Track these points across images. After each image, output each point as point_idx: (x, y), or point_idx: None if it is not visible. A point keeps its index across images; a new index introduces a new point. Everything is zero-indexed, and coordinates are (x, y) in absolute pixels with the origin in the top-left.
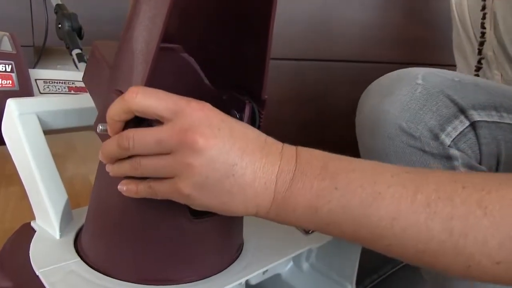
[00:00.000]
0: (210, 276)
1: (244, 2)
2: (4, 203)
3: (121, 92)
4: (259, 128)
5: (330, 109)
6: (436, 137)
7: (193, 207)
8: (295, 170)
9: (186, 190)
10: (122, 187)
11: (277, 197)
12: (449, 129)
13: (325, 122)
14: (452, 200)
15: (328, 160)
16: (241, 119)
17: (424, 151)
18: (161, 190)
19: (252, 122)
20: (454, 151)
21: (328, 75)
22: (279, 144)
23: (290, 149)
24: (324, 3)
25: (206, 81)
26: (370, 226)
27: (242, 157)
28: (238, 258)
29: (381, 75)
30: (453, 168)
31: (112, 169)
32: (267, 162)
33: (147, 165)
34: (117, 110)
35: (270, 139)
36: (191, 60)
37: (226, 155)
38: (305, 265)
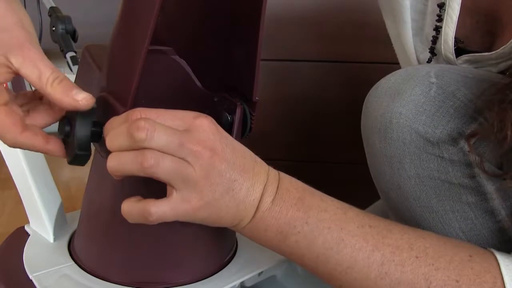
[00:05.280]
0: (205, 277)
1: (233, 4)
2: (0, 207)
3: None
4: (250, 129)
5: (324, 109)
6: (455, 143)
7: (186, 220)
8: (276, 194)
9: (197, 203)
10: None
11: (257, 215)
12: (468, 132)
13: (320, 121)
14: (403, 267)
15: (305, 193)
16: (232, 121)
17: (442, 158)
18: (165, 207)
19: (244, 124)
20: (474, 157)
21: (322, 75)
22: (266, 165)
23: (274, 172)
24: (317, 3)
25: (198, 83)
26: (328, 267)
27: (241, 173)
28: (233, 260)
29: (376, 75)
30: (473, 175)
31: (112, 163)
32: (257, 180)
33: (168, 168)
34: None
35: (259, 159)
36: (182, 62)
37: (230, 170)
38: (301, 267)
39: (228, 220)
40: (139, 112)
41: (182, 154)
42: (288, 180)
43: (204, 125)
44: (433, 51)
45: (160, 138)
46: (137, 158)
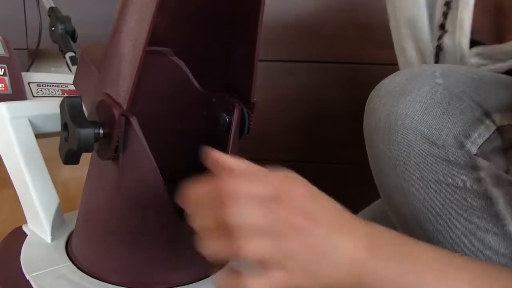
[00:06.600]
0: (203, 278)
1: (232, 5)
2: None
3: (109, 96)
4: (248, 130)
5: (324, 109)
6: (461, 145)
7: None
8: (371, 249)
9: (299, 274)
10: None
11: (354, 275)
12: (474, 135)
13: (320, 122)
14: None
15: (403, 248)
16: (230, 122)
17: (448, 161)
18: (264, 286)
19: (242, 125)
20: (480, 161)
21: (322, 75)
22: (356, 218)
23: (366, 225)
24: (317, 5)
25: (196, 83)
26: None
27: (336, 233)
28: None
29: (377, 76)
30: (479, 179)
31: (207, 253)
32: (351, 238)
33: (264, 248)
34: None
35: (347, 213)
36: (181, 63)
37: (326, 234)
38: None
39: (324, 284)
40: (228, 184)
41: (276, 228)
42: (381, 233)
43: (298, 189)
44: (440, 46)
45: (250, 216)
46: (231, 249)
